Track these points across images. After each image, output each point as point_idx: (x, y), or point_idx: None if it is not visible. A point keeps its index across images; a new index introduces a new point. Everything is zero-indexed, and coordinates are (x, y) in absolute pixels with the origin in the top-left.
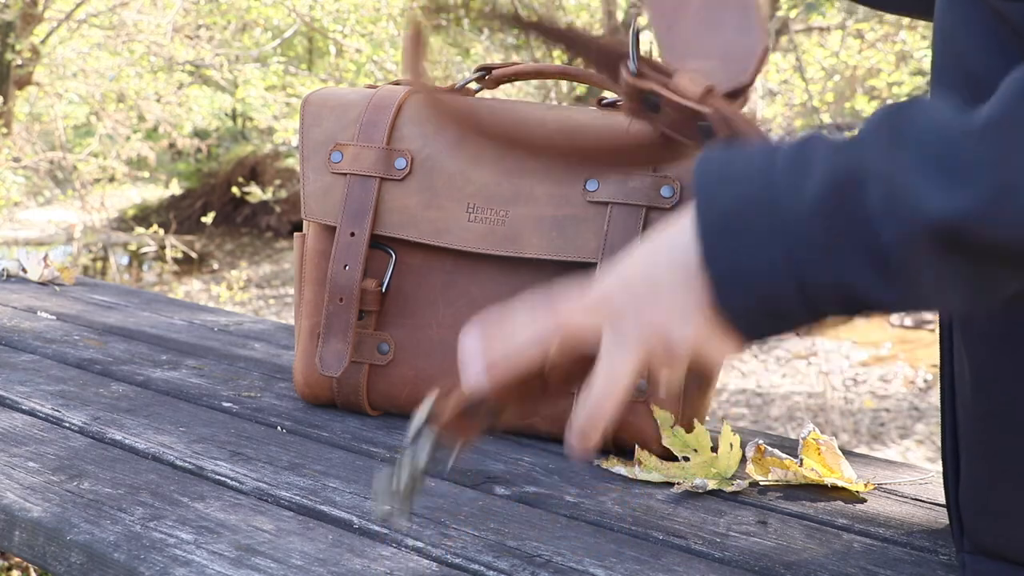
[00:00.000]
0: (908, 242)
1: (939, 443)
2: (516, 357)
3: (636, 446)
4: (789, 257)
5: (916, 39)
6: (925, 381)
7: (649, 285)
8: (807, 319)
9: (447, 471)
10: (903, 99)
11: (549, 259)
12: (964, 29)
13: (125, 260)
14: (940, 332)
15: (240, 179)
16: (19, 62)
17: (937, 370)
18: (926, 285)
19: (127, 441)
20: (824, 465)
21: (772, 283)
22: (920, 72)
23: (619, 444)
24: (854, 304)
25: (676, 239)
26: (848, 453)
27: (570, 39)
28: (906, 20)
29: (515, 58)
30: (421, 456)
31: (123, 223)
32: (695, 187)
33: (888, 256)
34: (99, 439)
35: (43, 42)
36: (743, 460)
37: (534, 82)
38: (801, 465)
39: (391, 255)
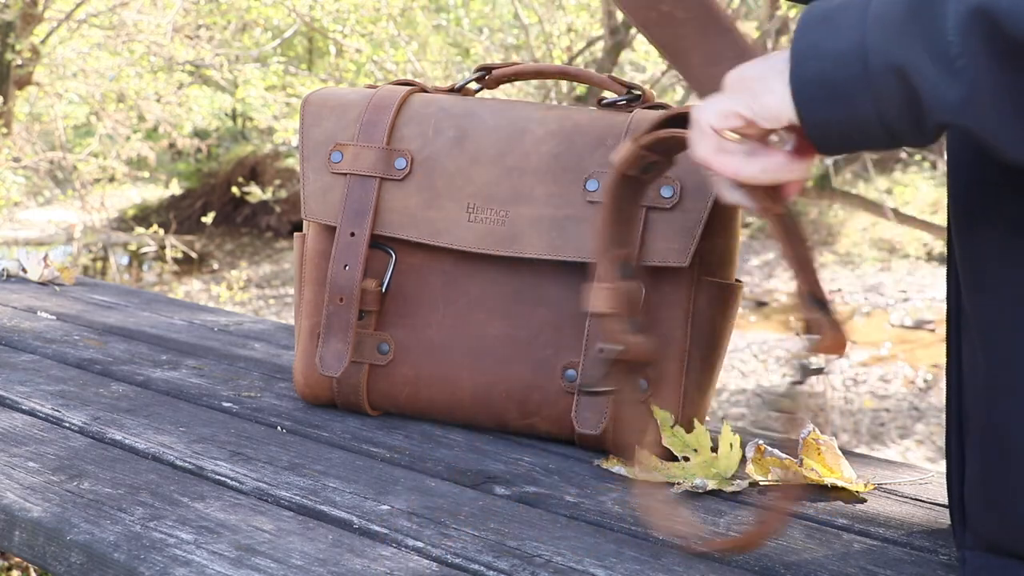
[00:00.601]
0: (965, 27)
1: (939, 443)
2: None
3: (636, 446)
4: (863, 40)
5: None
6: (925, 381)
7: (757, 73)
8: (866, 105)
9: None
10: None
11: (549, 259)
12: None
13: (125, 260)
14: (948, 325)
15: (240, 179)
16: (19, 62)
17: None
18: (983, 90)
19: (127, 441)
20: (824, 465)
21: (840, 58)
22: None
23: (619, 444)
24: (914, 99)
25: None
26: (848, 453)
27: None
28: None
29: (515, 58)
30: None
31: (123, 223)
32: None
33: (950, 48)
34: (99, 439)
35: (43, 42)
36: (743, 460)
37: (534, 82)
38: (801, 465)
39: (391, 255)
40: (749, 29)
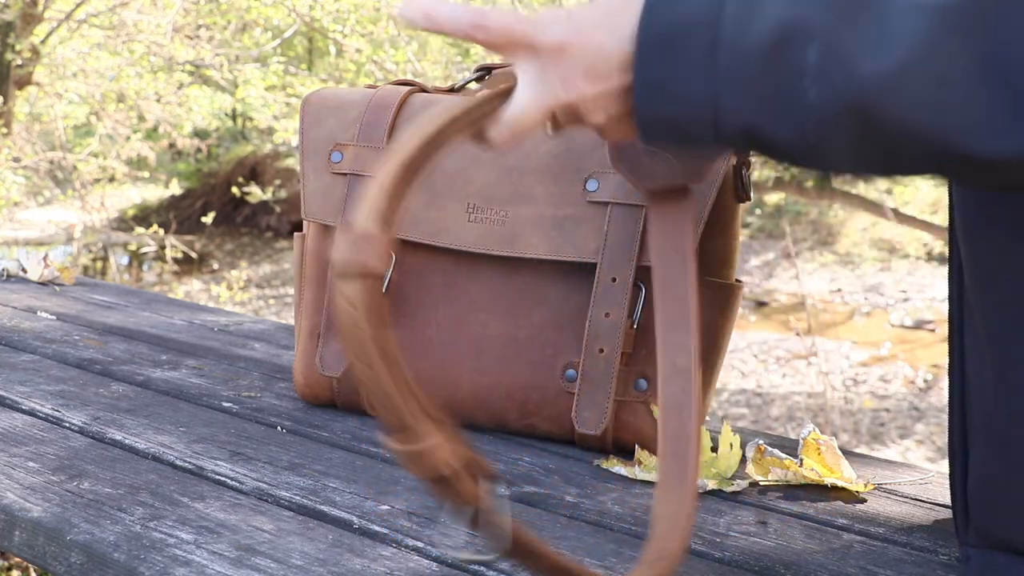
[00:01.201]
0: (829, 103)
1: (939, 443)
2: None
3: (636, 446)
4: (716, 93)
5: None
6: (925, 381)
7: (584, 39)
8: (707, 146)
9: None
10: None
11: (549, 259)
12: None
13: (125, 260)
14: (950, 323)
15: (240, 179)
16: (19, 62)
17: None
18: (836, 148)
19: (127, 441)
20: (824, 465)
21: (692, 109)
22: None
23: (619, 444)
24: (760, 148)
25: (620, 22)
26: (848, 453)
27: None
28: None
29: None
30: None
31: (123, 223)
32: None
33: (810, 114)
34: (99, 439)
35: (43, 42)
36: (743, 460)
37: None
38: (801, 465)
39: (391, 255)
40: None
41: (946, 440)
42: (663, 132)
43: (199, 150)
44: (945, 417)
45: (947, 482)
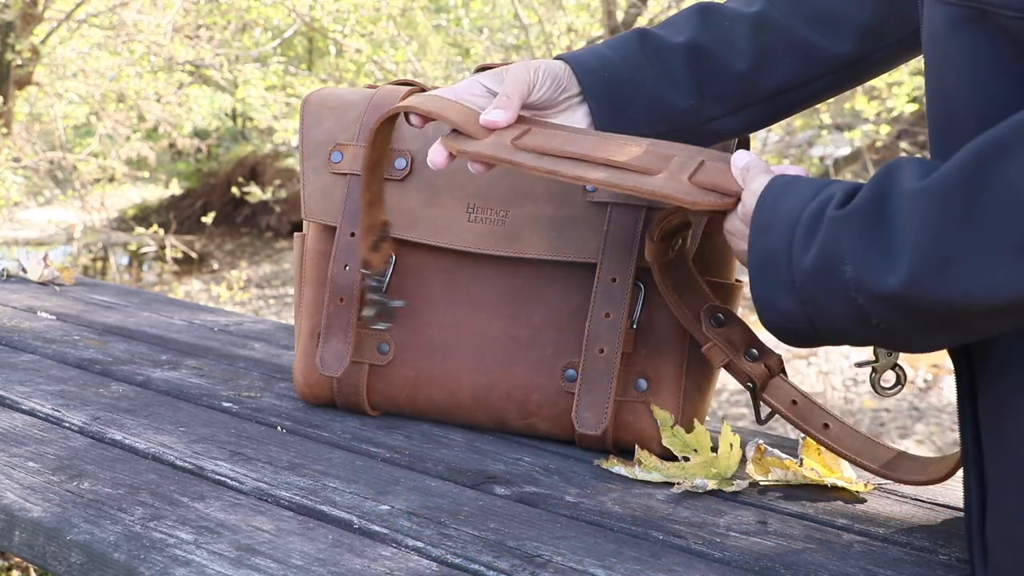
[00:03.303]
0: (876, 306)
1: (939, 443)
2: None
3: (636, 446)
4: (803, 307)
5: None
6: (925, 381)
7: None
8: (817, 341)
9: None
10: (901, 157)
11: (549, 259)
12: (955, 60)
13: (125, 260)
14: (956, 367)
15: (240, 179)
16: (19, 62)
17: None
18: (907, 333)
19: (127, 441)
20: (824, 465)
21: (795, 323)
22: (919, 72)
23: (619, 444)
24: (852, 342)
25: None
26: None
27: None
28: None
29: (515, 58)
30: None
31: (123, 223)
32: (755, 211)
33: (866, 314)
34: (99, 439)
35: (43, 42)
36: (743, 460)
37: None
38: (801, 465)
39: (391, 255)
40: None
41: (946, 440)
42: (785, 334)
43: (199, 150)
44: (945, 417)
45: (947, 482)
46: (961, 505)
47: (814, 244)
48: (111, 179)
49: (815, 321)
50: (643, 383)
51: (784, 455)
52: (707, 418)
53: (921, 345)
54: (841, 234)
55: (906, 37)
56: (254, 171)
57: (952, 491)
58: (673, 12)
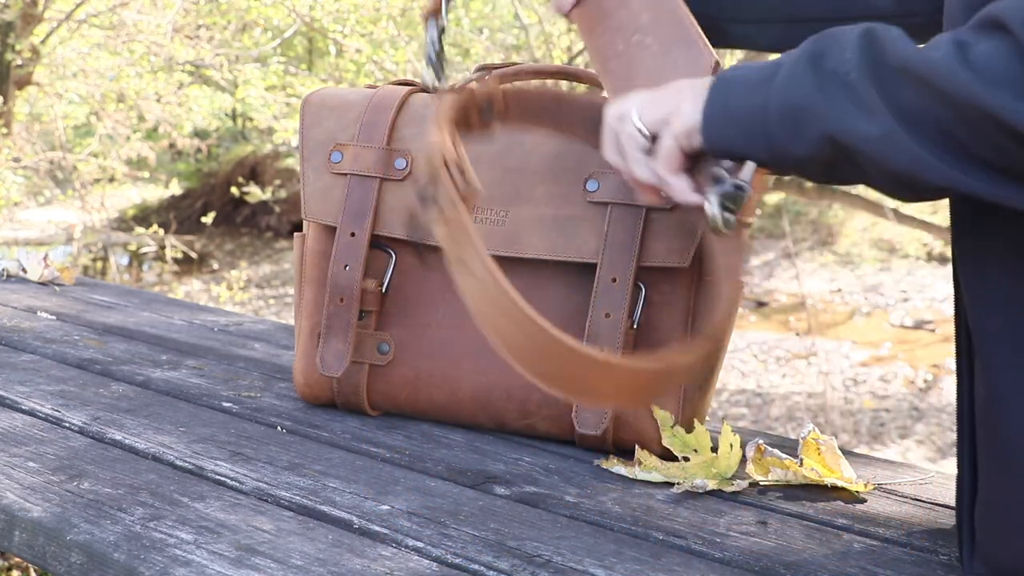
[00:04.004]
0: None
1: (939, 443)
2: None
3: (636, 446)
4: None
5: None
6: (925, 381)
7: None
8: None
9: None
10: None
11: (549, 259)
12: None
13: (125, 260)
14: (957, 351)
15: (240, 179)
16: (19, 62)
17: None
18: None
19: (127, 441)
20: (824, 465)
21: (747, 142)
22: None
23: (619, 444)
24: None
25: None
26: (848, 453)
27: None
28: None
29: (515, 58)
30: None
31: (123, 223)
32: (715, 83)
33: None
34: (99, 439)
35: (43, 42)
36: (743, 460)
37: (534, 82)
38: (801, 465)
39: (391, 255)
40: None
41: (946, 440)
42: (720, 119)
43: (199, 150)
44: (945, 417)
45: (947, 482)
46: None
47: (774, 90)
48: (111, 179)
49: (771, 103)
50: None
51: (784, 455)
52: (707, 418)
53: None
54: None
55: (936, 12)
56: (254, 171)
57: (953, 492)
58: None
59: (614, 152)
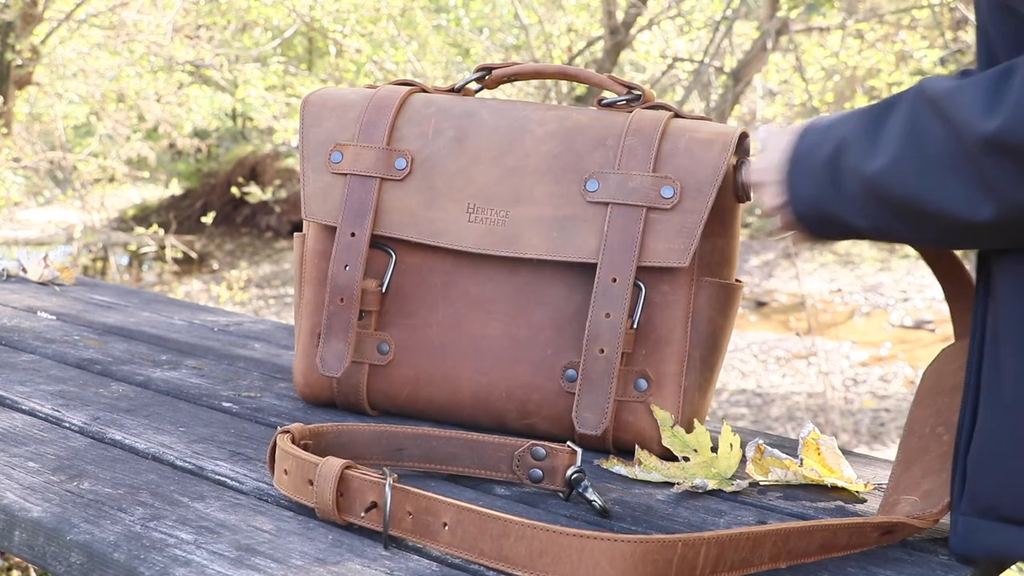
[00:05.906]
0: (863, 191)
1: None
2: None
3: (636, 446)
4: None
5: (916, 39)
6: None
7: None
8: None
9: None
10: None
11: (549, 259)
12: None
13: (125, 260)
14: (976, 286)
15: (240, 179)
16: (19, 62)
17: None
18: (879, 223)
19: (127, 441)
20: (824, 465)
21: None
22: (920, 72)
23: (619, 444)
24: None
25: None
26: (848, 453)
27: None
28: (906, 20)
29: (515, 58)
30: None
31: (123, 223)
32: (794, 155)
33: (855, 200)
34: (99, 439)
35: (43, 42)
36: (743, 460)
37: (534, 82)
38: (801, 465)
39: (391, 255)
40: (749, 29)
41: None
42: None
43: (199, 150)
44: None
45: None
46: None
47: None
48: (111, 179)
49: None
50: (643, 383)
51: (784, 455)
52: (707, 418)
53: (886, 237)
54: (850, 130)
55: None
56: (254, 171)
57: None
58: (672, 12)
59: None
